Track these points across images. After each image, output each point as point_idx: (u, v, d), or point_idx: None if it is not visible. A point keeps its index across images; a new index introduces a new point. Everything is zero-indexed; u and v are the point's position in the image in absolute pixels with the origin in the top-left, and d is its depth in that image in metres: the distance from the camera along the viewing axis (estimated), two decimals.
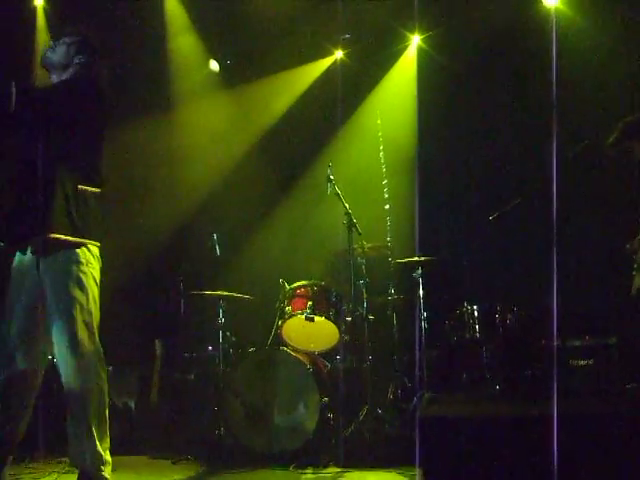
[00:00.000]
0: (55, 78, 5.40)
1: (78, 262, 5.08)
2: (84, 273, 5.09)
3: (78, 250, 5.09)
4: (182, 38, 9.80)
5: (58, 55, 5.39)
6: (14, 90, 4.83)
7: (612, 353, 7.28)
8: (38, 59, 5.59)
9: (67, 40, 5.41)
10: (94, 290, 5.15)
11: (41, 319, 5.08)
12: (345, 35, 9.94)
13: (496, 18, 9.05)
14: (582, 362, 7.37)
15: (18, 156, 5.17)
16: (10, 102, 4.81)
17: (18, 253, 5.19)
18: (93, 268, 5.16)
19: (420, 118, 9.71)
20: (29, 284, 5.10)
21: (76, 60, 5.36)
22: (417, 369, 7.84)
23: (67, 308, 5.02)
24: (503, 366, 7.47)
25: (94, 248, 5.21)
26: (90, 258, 5.14)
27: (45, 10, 9.61)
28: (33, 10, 9.60)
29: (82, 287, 5.06)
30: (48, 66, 5.44)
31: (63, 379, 5.09)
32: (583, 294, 8.16)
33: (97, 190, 5.23)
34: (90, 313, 5.10)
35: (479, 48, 9.43)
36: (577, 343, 7.45)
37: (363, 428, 7.15)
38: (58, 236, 5.01)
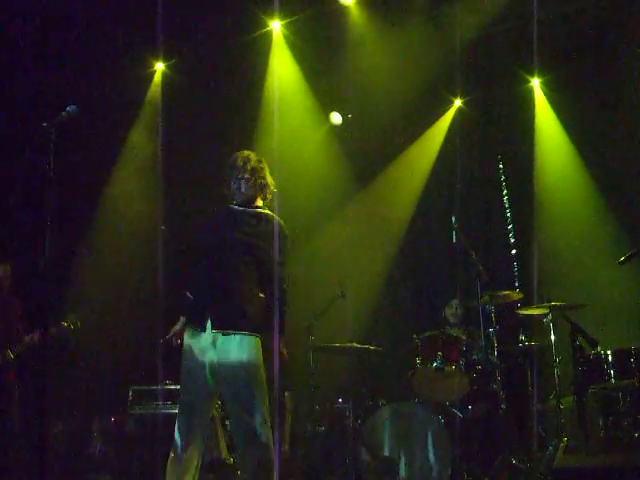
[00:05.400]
0: None
1: None
2: None
3: None
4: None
5: None
6: None
7: None
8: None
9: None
10: None
11: None
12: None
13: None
14: None
15: None
16: None
17: None
18: None
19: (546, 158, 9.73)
20: None
21: None
22: (551, 417, 7.67)
23: None
24: None
25: None
26: None
27: (164, 74, 10.00)
28: (152, 73, 10.02)
29: None
30: None
31: None
32: None
33: None
34: None
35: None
36: None
37: (498, 478, 7.01)
38: None
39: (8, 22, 8.87)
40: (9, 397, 8.04)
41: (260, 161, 5.98)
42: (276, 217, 5.89)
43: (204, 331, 5.49)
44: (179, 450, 5.44)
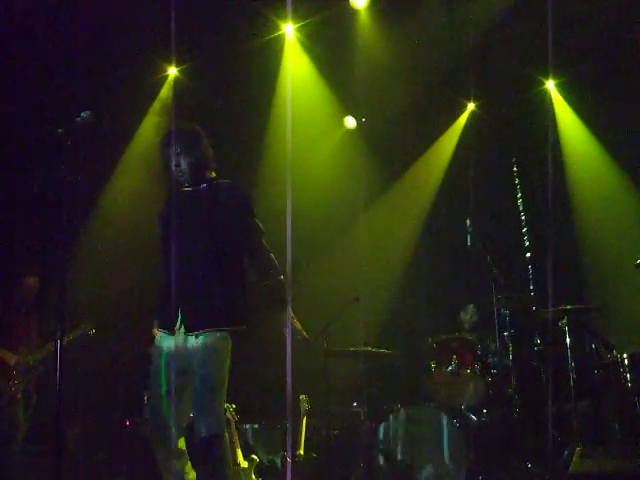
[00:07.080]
0: None
1: None
2: None
3: None
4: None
5: None
6: None
7: None
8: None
9: None
10: None
11: None
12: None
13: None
14: None
15: None
16: None
17: None
18: None
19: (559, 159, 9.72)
20: None
21: None
22: (567, 421, 7.64)
23: None
24: None
25: None
26: None
27: (176, 79, 10.00)
28: (165, 78, 10.02)
29: None
30: None
31: None
32: None
33: None
34: None
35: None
36: None
37: None
38: None
39: (24, 29, 8.89)
40: (26, 404, 8.12)
41: (195, 130, 5.50)
42: (231, 182, 5.49)
43: (173, 334, 5.24)
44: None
